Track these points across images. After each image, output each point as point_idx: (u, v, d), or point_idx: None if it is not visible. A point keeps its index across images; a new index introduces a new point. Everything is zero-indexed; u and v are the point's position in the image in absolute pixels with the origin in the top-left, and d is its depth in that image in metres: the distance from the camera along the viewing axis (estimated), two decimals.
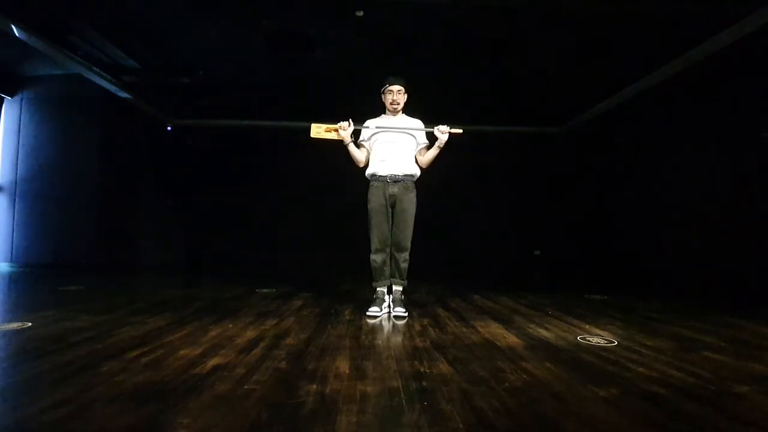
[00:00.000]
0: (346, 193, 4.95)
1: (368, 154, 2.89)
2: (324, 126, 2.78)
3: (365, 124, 2.87)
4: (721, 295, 3.81)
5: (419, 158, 2.87)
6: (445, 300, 3.41)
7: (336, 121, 2.75)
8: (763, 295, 3.59)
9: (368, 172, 2.88)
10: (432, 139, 2.78)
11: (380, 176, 2.80)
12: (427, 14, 3.86)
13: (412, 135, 2.83)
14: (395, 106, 2.83)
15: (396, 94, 2.80)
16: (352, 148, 2.82)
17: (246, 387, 1.44)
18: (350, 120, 2.76)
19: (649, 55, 4.57)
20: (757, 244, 3.91)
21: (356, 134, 2.87)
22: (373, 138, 2.84)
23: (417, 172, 2.87)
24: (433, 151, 2.79)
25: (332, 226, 6.76)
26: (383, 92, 2.85)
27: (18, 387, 1.44)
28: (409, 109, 2.93)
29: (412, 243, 2.85)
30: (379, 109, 2.93)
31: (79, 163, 5.92)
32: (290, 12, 3.90)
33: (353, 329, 2.36)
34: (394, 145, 2.80)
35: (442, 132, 2.67)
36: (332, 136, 2.77)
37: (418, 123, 2.86)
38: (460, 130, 2.72)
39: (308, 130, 2.80)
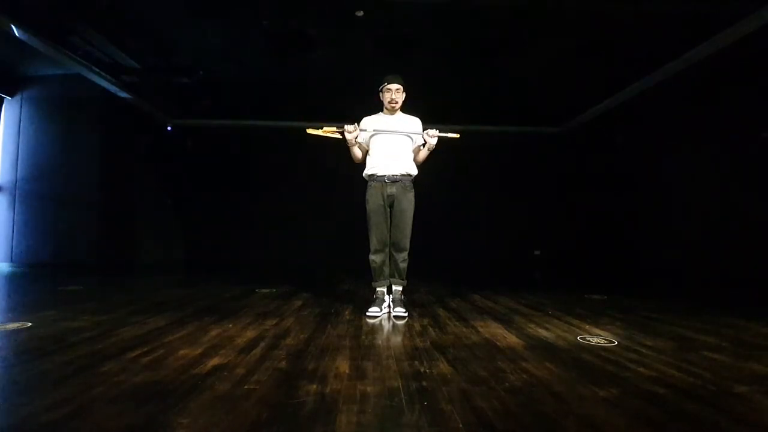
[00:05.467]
0: (345, 193, 4.95)
1: (366, 150, 2.89)
2: (322, 126, 2.73)
3: (362, 122, 2.86)
4: (721, 295, 3.81)
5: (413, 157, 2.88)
6: (445, 300, 3.40)
7: (334, 124, 2.73)
8: (763, 295, 3.59)
9: (366, 172, 2.88)
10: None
11: (378, 176, 2.80)
12: (427, 14, 3.87)
13: (410, 136, 2.83)
14: (393, 105, 2.82)
15: (394, 92, 2.80)
16: (355, 148, 2.84)
17: (246, 387, 1.44)
18: (356, 124, 2.77)
19: (649, 55, 4.58)
20: (757, 244, 3.91)
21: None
22: (371, 137, 2.84)
23: (415, 171, 2.87)
24: (424, 153, 2.81)
25: (332, 226, 6.77)
26: (381, 90, 2.84)
27: (18, 387, 1.44)
28: (409, 109, 2.93)
29: (411, 243, 2.84)
30: (378, 109, 2.92)
31: (79, 163, 5.92)
32: (290, 12, 3.90)
33: (353, 329, 2.36)
34: (391, 146, 2.79)
35: (431, 136, 2.69)
36: (331, 134, 2.73)
37: (415, 121, 2.87)
38: (456, 135, 2.71)
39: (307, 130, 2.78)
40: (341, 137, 2.76)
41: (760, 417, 1.26)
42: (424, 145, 2.77)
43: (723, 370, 1.68)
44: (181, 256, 6.99)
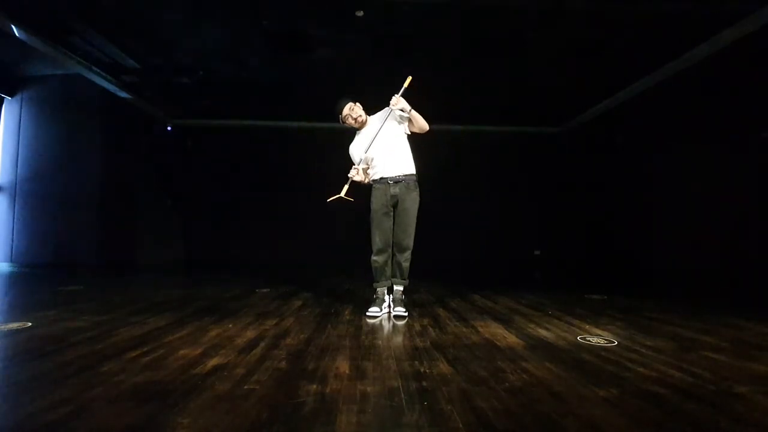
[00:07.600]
0: (345, 193, 4.96)
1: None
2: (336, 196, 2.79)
3: (351, 152, 2.90)
4: (721, 295, 3.81)
5: (413, 131, 2.86)
6: (445, 300, 3.40)
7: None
8: (763, 295, 3.59)
9: (372, 177, 2.89)
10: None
11: (382, 178, 2.82)
12: (427, 14, 3.87)
13: (397, 123, 2.81)
14: (361, 119, 2.86)
15: (352, 111, 2.83)
16: (368, 180, 2.88)
17: (246, 387, 1.44)
18: (354, 166, 2.80)
19: (649, 55, 4.58)
20: (757, 244, 3.90)
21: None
22: (368, 152, 2.83)
23: (414, 169, 2.87)
24: (413, 117, 2.77)
25: (332, 226, 6.76)
26: (344, 122, 2.87)
27: (18, 387, 1.44)
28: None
29: (413, 243, 2.85)
30: (380, 106, 2.90)
31: (79, 163, 5.92)
32: (290, 12, 3.90)
33: (353, 329, 2.36)
34: (386, 146, 2.80)
35: (396, 102, 2.69)
36: (347, 196, 2.77)
37: (385, 110, 2.82)
38: (409, 78, 2.70)
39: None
40: (355, 183, 2.80)
41: (760, 417, 1.26)
42: (403, 111, 2.73)
43: (723, 370, 1.68)
44: (181, 256, 6.99)
